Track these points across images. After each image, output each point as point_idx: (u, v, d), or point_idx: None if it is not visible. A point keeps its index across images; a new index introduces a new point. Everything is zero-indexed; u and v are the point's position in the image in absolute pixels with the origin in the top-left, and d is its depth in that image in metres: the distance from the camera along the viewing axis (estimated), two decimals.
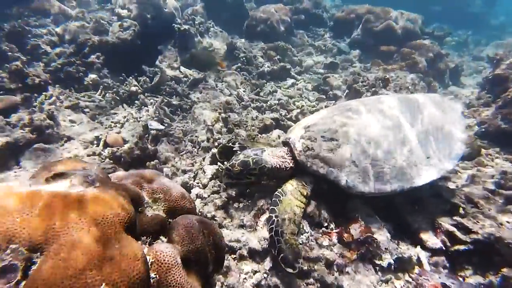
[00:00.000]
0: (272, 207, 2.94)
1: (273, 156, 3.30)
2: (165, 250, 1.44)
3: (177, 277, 1.38)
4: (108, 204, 1.30)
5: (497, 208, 3.41)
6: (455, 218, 3.23)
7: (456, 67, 8.84)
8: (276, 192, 3.06)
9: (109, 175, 1.94)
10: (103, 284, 1.08)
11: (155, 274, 1.36)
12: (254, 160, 3.16)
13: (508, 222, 3.20)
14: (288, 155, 3.38)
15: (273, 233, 2.75)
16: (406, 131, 3.30)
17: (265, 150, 3.31)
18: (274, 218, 2.84)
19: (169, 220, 1.74)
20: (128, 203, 1.43)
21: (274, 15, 9.33)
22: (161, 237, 1.61)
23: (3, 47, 6.31)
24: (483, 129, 5.01)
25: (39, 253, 1.11)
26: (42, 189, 1.26)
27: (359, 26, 8.95)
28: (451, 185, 3.89)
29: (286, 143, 3.51)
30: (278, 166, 3.26)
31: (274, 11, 9.45)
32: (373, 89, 5.62)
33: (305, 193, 3.08)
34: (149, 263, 1.37)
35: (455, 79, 8.76)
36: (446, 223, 3.22)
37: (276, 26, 9.19)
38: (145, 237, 1.52)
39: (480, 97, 6.05)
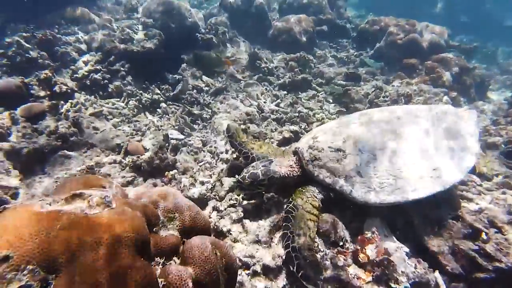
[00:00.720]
0: (285, 223, 2.98)
1: (281, 166, 3.43)
2: (177, 273, 1.45)
3: None
4: (122, 226, 1.32)
5: None
6: (477, 243, 3.10)
7: (483, 81, 8.55)
8: (288, 208, 3.10)
9: (128, 190, 1.98)
10: None
11: None
12: (263, 172, 3.30)
13: None
14: (296, 164, 3.50)
15: (289, 249, 2.78)
16: (413, 142, 3.34)
17: (272, 161, 3.44)
18: (289, 234, 2.87)
19: (183, 239, 1.76)
20: (142, 225, 1.45)
21: (296, 25, 9.34)
22: (175, 258, 1.62)
23: (34, 54, 6.61)
24: (510, 149, 4.81)
25: (54, 275, 1.15)
26: (61, 209, 1.29)
27: (383, 38, 8.81)
28: (474, 207, 3.74)
29: (295, 152, 3.63)
30: (286, 175, 3.40)
31: (297, 21, 9.46)
32: (396, 105, 5.51)
33: (316, 205, 3.15)
34: (161, 286, 1.39)
35: (482, 93, 8.47)
36: (467, 248, 3.09)
37: (299, 36, 9.19)
38: (158, 258, 1.54)
39: (508, 114, 5.81)
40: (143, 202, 1.72)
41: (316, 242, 2.97)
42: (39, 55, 6.60)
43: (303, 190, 3.25)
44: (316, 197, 3.19)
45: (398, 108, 3.89)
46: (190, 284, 1.46)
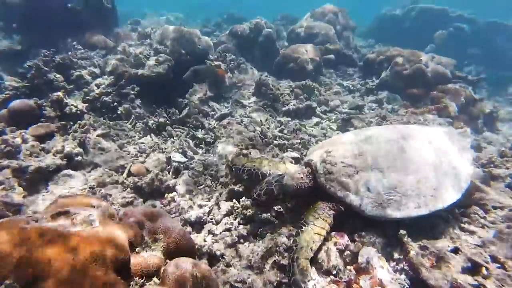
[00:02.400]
0: (294, 237, 3.16)
1: (293, 179, 3.59)
2: None
3: None
4: (101, 244, 1.37)
5: None
6: (476, 278, 3.01)
7: (491, 112, 8.51)
8: (300, 223, 3.29)
9: (119, 209, 2.04)
10: None
11: None
12: (277, 187, 3.47)
13: None
14: (307, 176, 3.67)
15: (290, 259, 2.95)
16: (418, 162, 3.52)
17: (284, 176, 3.58)
18: (294, 247, 3.05)
19: (166, 261, 1.79)
20: (123, 244, 1.50)
21: (303, 54, 9.58)
22: (155, 278, 1.65)
23: (52, 76, 6.93)
24: None
25: None
26: (44, 226, 1.36)
27: (388, 67, 8.95)
28: (476, 241, 3.66)
29: (307, 164, 3.81)
30: (299, 187, 3.57)
31: (304, 50, 9.71)
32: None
33: (328, 221, 3.30)
34: None
35: (490, 125, 8.41)
36: (466, 283, 3.00)
37: (305, 65, 9.41)
38: (138, 278, 1.57)
39: None
40: (128, 222, 1.77)
41: (309, 272, 2.97)
42: (55, 78, 6.91)
43: (315, 208, 3.40)
44: (328, 214, 3.35)
45: (406, 128, 4.14)
46: None
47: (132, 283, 1.54)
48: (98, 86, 7.17)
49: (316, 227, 3.20)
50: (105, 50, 9.29)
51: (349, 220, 3.56)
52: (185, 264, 1.73)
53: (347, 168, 3.47)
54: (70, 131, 4.83)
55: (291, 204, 3.89)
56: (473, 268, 3.14)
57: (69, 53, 8.60)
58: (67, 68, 7.44)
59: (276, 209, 3.83)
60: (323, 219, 3.28)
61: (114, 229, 1.56)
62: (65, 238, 1.36)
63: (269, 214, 3.78)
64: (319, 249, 3.15)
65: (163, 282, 1.63)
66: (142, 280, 1.58)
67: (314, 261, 3.10)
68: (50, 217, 1.50)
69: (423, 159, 3.54)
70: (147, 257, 1.69)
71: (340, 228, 3.41)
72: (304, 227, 3.20)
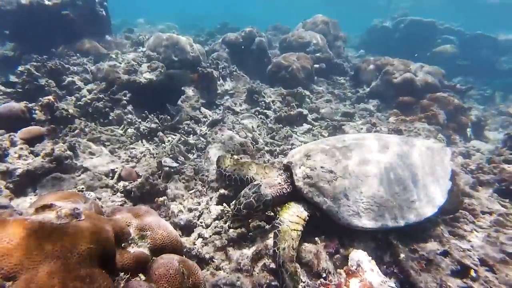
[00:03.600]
0: (274, 240, 3.07)
1: (270, 187, 3.50)
2: None
3: None
4: (86, 238, 1.36)
5: None
6: (465, 281, 3.04)
7: (479, 121, 8.69)
8: (275, 223, 3.22)
9: (105, 209, 2.03)
10: None
11: None
12: (256, 198, 3.36)
13: None
14: (286, 181, 3.59)
15: (277, 265, 2.90)
16: (397, 173, 3.44)
17: (260, 185, 3.48)
18: (276, 250, 2.97)
19: (153, 257, 1.78)
20: (108, 239, 1.49)
21: (295, 62, 9.70)
22: (141, 274, 1.64)
23: (43, 82, 6.90)
24: (504, 187, 4.80)
25: (11, 282, 1.17)
26: (27, 219, 1.35)
27: (379, 76, 9.10)
28: (465, 244, 3.69)
29: (287, 167, 3.70)
30: (277, 194, 3.48)
31: (295, 59, 9.83)
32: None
33: (302, 217, 3.26)
34: None
35: (479, 133, 8.57)
36: (455, 285, 3.02)
37: (297, 73, 9.51)
38: (123, 273, 1.56)
39: (501, 153, 5.86)
40: (115, 218, 1.76)
41: (298, 273, 2.95)
42: (47, 83, 6.88)
43: (289, 206, 3.35)
44: (301, 211, 3.31)
45: (389, 137, 4.04)
46: None
47: (117, 278, 1.52)
48: (90, 91, 7.15)
49: (291, 223, 3.15)
50: (97, 56, 9.28)
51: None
52: (171, 260, 1.72)
53: (326, 173, 3.39)
54: (60, 135, 4.79)
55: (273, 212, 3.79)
56: (462, 271, 3.16)
57: (62, 59, 8.59)
58: (59, 74, 7.41)
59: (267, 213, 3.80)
60: (297, 216, 3.24)
61: (99, 223, 1.55)
62: (49, 231, 1.34)
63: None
64: (308, 251, 3.13)
65: (149, 277, 1.62)
66: (127, 276, 1.56)
67: (303, 263, 3.08)
68: (34, 210, 1.49)
69: (403, 170, 3.48)
70: (133, 252, 1.68)
71: (330, 232, 3.38)
72: (280, 226, 3.13)
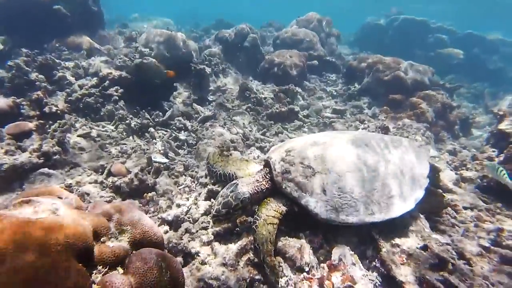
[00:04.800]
0: (253, 236, 3.12)
1: (247, 185, 3.50)
2: (116, 281, 1.51)
3: None
4: (62, 232, 1.41)
5: (491, 267, 3.29)
6: (442, 273, 3.12)
7: (467, 118, 8.81)
8: (253, 219, 3.25)
9: (87, 204, 2.07)
10: None
11: None
12: (233, 197, 3.34)
13: (500, 283, 3.08)
14: (264, 177, 3.60)
15: (260, 260, 2.97)
16: (376, 169, 3.48)
17: (237, 183, 3.48)
18: (257, 246, 3.02)
19: (132, 251, 1.83)
20: (86, 233, 1.54)
21: (288, 59, 9.74)
22: (119, 268, 1.68)
23: (33, 77, 6.87)
24: (485, 183, 4.90)
25: None
26: (3, 214, 1.39)
27: (370, 74, 9.19)
28: (445, 239, 3.79)
29: (267, 163, 3.70)
30: (255, 191, 3.48)
31: (288, 56, 9.87)
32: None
33: (279, 211, 3.30)
34: None
35: (466, 130, 8.70)
36: (433, 278, 3.11)
37: (289, 70, 9.56)
38: (101, 266, 1.60)
39: (484, 150, 5.98)
40: (94, 213, 1.81)
41: (281, 269, 3.02)
42: (37, 78, 6.86)
43: (268, 201, 3.39)
44: (279, 206, 3.34)
45: (369, 134, 4.13)
46: None
47: (94, 271, 1.57)
48: (81, 87, 7.14)
49: (268, 217, 3.19)
50: (89, 51, 9.24)
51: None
52: (150, 254, 1.77)
53: (305, 168, 3.40)
54: (49, 130, 4.79)
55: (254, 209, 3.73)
56: (440, 264, 3.26)
57: (53, 54, 8.55)
58: (50, 69, 7.38)
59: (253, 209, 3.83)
60: (274, 210, 3.28)
61: (78, 218, 1.60)
62: (25, 225, 1.39)
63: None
64: (292, 246, 3.19)
65: (127, 271, 1.67)
66: (105, 269, 1.61)
67: (287, 258, 3.14)
68: (12, 206, 1.53)
69: (381, 167, 3.52)
70: (113, 246, 1.72)
71: (315, 227, 3.43)
72: (257, 221, 3.17)
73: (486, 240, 3.64)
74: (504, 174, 4.78)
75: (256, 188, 3.50)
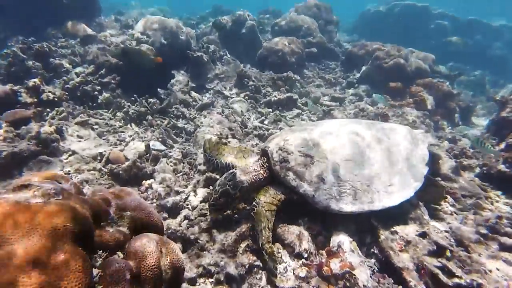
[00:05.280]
0: (252, 222, 3.16)
1: (245, 174, 3.50)
2: (116, 265, 1.51)
3: None
4: (62, 216, 1.40)
5: (488, 253, 3.32)
6: (440, 260, 3.15)
7: (467, 107, 8.79)
8: (251, 206, 3.28)
9: (86, 190, 2.06)
10: None
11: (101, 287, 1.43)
12: (231, 186, 3.35)
13: (498, 269, 3.11)
14: (262, 166, 3.59)
15: (259, 246, 2.98)
16: (375, 158, 3.48)
17: (235, 172, 3.48)
18: (255, 233, 3.07)
19: (132, 237, 1.83)
20: (86, 218, 1.53)
21: (286, 47, 9.63)
22: (119, 252, 1.69)
23: (30, 64, 6.79)
24: (485, 171, 4.91)
25: None
26: (3, 197, 1.38)
27: (369, 61, 9.10)
28: (444, 226, 3.81)
29: (264, 152, 3.68)
30: (253, 180, 3.48)
31: (286, 43, 9.77)
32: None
33: (278, 198, 3.32)
34: (98, 277, 1.45)
35: (466, 119, 8.68)
36: (431, 264, 3.14)
37: (287, 57, 9.47)
38: (101, 251, 1.60)
39: (484, 139, 5.97)
40: (94, 198, 1.80)
41: (280, 256, 3.05)
42: (33, 66, 6.78)
43: (267, 189, 3.40)
44: (277, 193, 3.36)
45: (367, 124, 4.05)
46: (128, 276, 1.52)
47: (95, 256, 1.57)
48: (78, 74, 7.06)
49: (266, 204, 3.21)
50: (86, 39, 9.12)
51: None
52: (149, 239, 1.77)
53: (303, 157, 3.39)
54: (47, 117, 4.76)
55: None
56: (438, 251, 3.28)
57: (49, 41, 8.43)
58: (46, 57, 7.29)
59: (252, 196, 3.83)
60: (272, 197, 3.29)
61: (77, 202, 1.59)
62: (24, 209, 1.38)
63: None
64: (291, 233, 3.21)
65: (127, 255, 1.67)
66: (105, 254, 1.61)
67: (286, 244, 3.16)
68: (11, 190, 1.51)
69: (381, 155, 3.51)
70: (112, 232, 1.72)
71: (314, 214, 3.44)
72: (255, 208, 3.20)
73: (484, 227, 3.67)
74: (488, 145, 4.80)
75: (254, 177, 3.50)
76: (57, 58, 7.61)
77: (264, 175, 3.53)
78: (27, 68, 6.64)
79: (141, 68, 7.05)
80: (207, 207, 3.72)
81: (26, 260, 1.23)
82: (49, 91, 5.32)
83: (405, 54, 8.80)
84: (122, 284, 1.48)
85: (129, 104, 6.59)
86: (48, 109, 5.11)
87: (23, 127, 4.38)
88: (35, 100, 5.11)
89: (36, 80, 5.20)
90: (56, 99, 5.35)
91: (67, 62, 7.64)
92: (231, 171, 3.55)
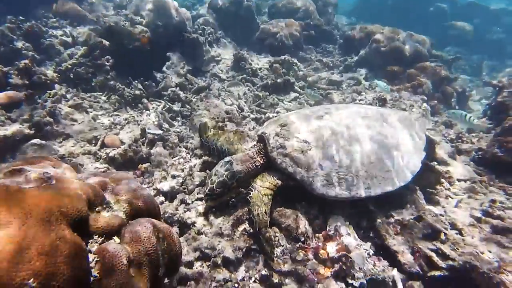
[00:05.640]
0: (249, 207, 3.11)
1: (242, 163, 3.45)
2: (112, 250, 1.49)
3: (119, 278, 1.43)
4: (55, 201, 1.36)
5: (481, 236, 3.36)
6: (435, 243, 3.19)
7: (464, 91, 8.75)
8: (248, 190, 3.25)
9: (80, 174, 2.02)
10: (32, 278, 1.14)
11: (97, 273, 1.41)
12: (229, 176, 3.31)
13: (489, 251, 3.16)
14: (258, 153, 3.55)
15: (255, 231, 2.98)
16: (373, 142, 3.45)
17: (232, 161, 3.42)
18: (252, 217, 3.03)
19: (128, 221, 1.80)
20: (80, 202, 1.49)
21: (283, 29, 9.46)
22: (115, 237, 1.66)
23: (19, 45, 6.61)
24: (480, 156, 4.93)
25: None
26: None
27: (368, 44, 8.98)
28: (439, 210, 3.85)
29: (261, 138, 3.63)
30: (249, 169, 3.45)
31: (284, 25, 9.59)
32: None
33: (274, 183, 3.30)
34: (94, 262, 1.43)
35: (463, 103, 8.66)
36: (425, 247, 3.17)
37: (285, 40, 9.31)
38: (97, 236, 1.58)
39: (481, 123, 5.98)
40: (88, 183, 1.76)
41: (277, 239, 3.05)
42: (23, 46, 6.60)
43: (263, 174, 3.37)
44: (274, 178, 3.33)
45: (365, 108, 4.01)
46: (125, 262, 1.50)
47: (91, 241, 1.54)
48: (70, 56, 6.90)
49: (262, 188, 3.19)
50: (78, 19, 8.86)
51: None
52: (146, 223, 1.75)
53: (300, 143, 3.35)
54: (40, 100, 4.65)
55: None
56: (433, 234, 3.32)
57: (39, 21, 8.18)
58: (37, 37, 7.10)
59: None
60: (269, 182, 3.27)
61: (71, 187, 1.55)
62: (16, 194, 1.34)
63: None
64: (288, 217, 3.21)
65: (124, 240, 1.65)
66: (101, 239, 1.58)
67: (283, 228, 3.17)
68: (3, 174, 1.47)
69: (378, 140, 3.47)
70: (108, 216, 1.69)
71: (311, 198, 3.42)
72: (251, 192, 3.17)
73: (478, 211, 3.70)
74: (471, 117, 4.77)
75: (251, 166, 3.46)
76: (48, 39, 7.42)
77: (261, 162, 3.49)
78: (16, 49, 6.46)
79: (130, 50, 6.87)
80: (203, 195, 3.64)
81: (20, 247, 1.20)
82: (41, 73, 5.19)
83: (404, 38, 8.69)
84: (119, 269, 1.46)
85: (123, 87, 6.47)
86: (40, 92, 4.98)
87: (15, 110, 4.28)
88: (27, 82, 4.97)
89: (26, 61, 5.05)
90: (48, 82, 5.23)
91: (58, 43, 7.44)
92: (227, 159, 3.47)
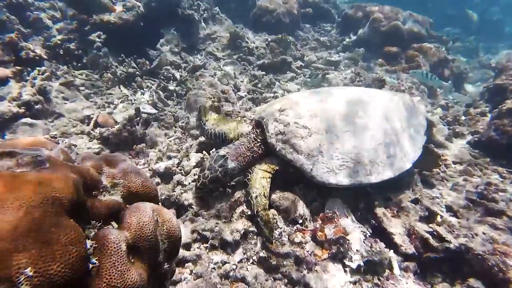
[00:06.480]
0: (247, 189, 3.09)
1: (237, 157, 3.29)
2: (110, 236, 1.44)
3: (118, 264, 1.39)
4: (50, 186, 1.29)
5: (476, 218, 3.40)
6: (431, 225, 3.21)
7: (461, 73, 8.70)
8: (247, 172, 3.23)
9: (75, 156, 1.94)
10: (29, 267, 1.08)
11: (96, 260, 1.36)
12: (222, 173, 3.18)
13: (484, 233, 3.18)
14: (256, 140, 3.40)
15: (254, 213, 2.96)
16: (374, 129, 3.35)
17: (227, 157, 3.25)
18: (250, 200, 3.00)
19: (126, 205, 1.74)
20: (76, 186, 1.42)
21: (281, 6, 9.20)
22: (113, 222, 1.61)
23: (3, 17, 6.29)
24: (476, 139, 4.94)
25: None
26: None
27: (366, 24, 8.79)
28: (435, 192, 3.87)
29: (258, 123, 3.50)
30: (245, 162, 3.31)
31: (281, 2, 9.32)
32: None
33: (272, 166, 3.24)
34: (92, 248, 1.38)
35: (459, 85, 8.63)
36: (421, 229, 3.20)
37: (282, 18, 9.07)
38: (95, 221, 1.52)
39: (477, 106, 5.96)
40: (83, 166, 1.69)
41: (275, 221, 3.03)
42: (8, 19, 6.30)
43: (262, 161, 3.31)
44: (273, 162, 3.27)
45: (366, 92, 3.93)
46: (124, 247, 1.45)
47: (88, 226, 1.49)
48: (59, 31, 6.63)
49: (260, 171, 3.14)
50: None
51: None
52: (145, 207, 1.69)
53: (300, 129, 3.23)
54: (28, 77, 4.47)
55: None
56: (429, 217, 3.34)
57: None
58: (22, 9, 6.77)
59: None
60: (267, 165, 3.21)
61: (66, 171, 1.47)
62: (8, 179, 1.26)
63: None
64: (286, 199, 3.19)
65: (122, 226, 1.59)
66: (99, 224, 1.53)
67: (281, 210, 3.15)
68: None
69: (379, 125, 3.38)
70: (105, 201, 1.63)
71: (309, 181, 3.38)
72: (250, 174, 3.14)
73: (473, 193, 3.72)
74: (434, 77, 4.68)
75: (247, 158, 3.32)
76: (34, 12, 7.09)
77: (259, 152, 3.36)
78: (1, 21, 6.16)
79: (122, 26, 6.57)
80: (194, 188, 3.42)
81: (15, 234, 1.13)
82: (29, 49, 4.97)
83: (403, 17, 8.52)
84: (118, 255, 1.41)
85: (116, 64, 6.27)
86: (28, 68, 4.79)
87: (2, 87, 4.12)
88: (13, 58, 4.76)
89: (12, 35, 4.81)
90: (36, 57, 5.01)
91: (46, 17, 7.13)
92: (222, 153, 3.30)
